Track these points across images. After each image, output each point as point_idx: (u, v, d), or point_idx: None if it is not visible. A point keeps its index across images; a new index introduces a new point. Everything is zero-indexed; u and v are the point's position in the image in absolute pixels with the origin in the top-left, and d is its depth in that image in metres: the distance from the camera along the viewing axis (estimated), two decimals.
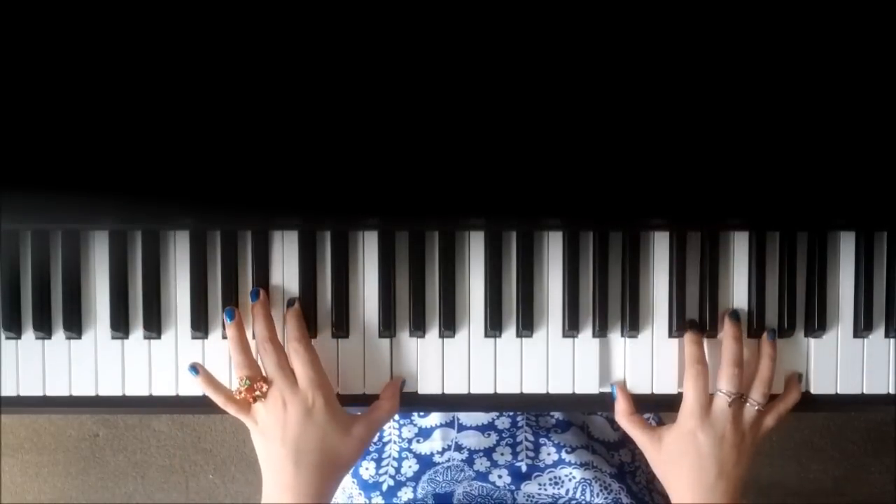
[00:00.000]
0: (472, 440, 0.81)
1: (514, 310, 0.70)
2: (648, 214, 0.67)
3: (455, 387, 0.70)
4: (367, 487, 0.81)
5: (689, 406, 0.67)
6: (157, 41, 0.62)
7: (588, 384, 0.71)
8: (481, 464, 0.79)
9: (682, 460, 0.66)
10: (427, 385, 0.70)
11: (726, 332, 0.69)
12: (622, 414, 0.70)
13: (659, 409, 0.75)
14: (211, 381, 0.67)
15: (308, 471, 0.64)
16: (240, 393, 0.65)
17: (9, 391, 0.69)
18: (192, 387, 0.69)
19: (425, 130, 0.64)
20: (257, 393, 0.65)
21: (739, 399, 0.67)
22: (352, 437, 0.66)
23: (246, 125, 0.63)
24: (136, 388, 0.69)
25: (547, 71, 0.63)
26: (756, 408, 0.67)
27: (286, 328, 0.68)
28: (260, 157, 0.63)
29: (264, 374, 0.66)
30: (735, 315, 0.69)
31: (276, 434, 0.64)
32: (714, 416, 0.66)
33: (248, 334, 0.68)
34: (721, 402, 0.66)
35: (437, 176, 0.64)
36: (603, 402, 0.71)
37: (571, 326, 0.69)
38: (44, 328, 0.68)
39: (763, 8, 0.63)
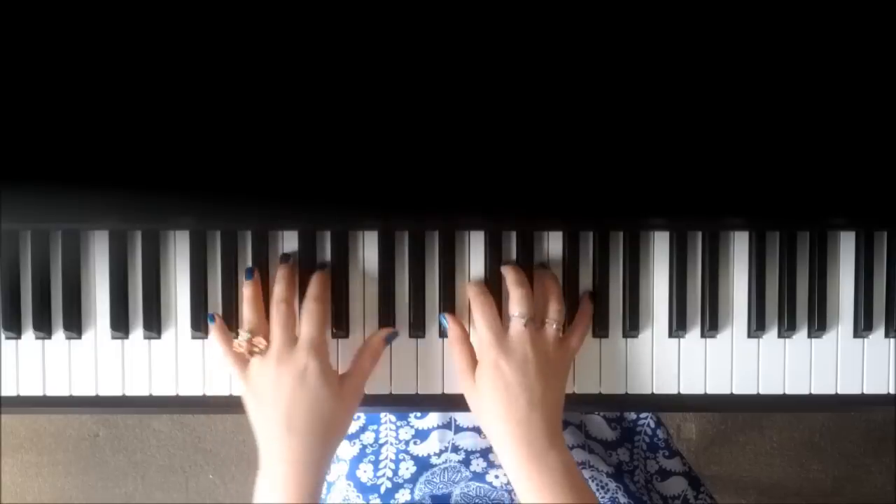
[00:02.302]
0: (468, 441, 0.81)
1: None
2: (648, 214, 0.67)
3: (455, 387, 0.70)
4: (365, 489, 0.81)
5: (484, 337, 0.65)
6: (157, 41, 0.62)
7: (588, 384, 0.71)
8: (478, 464, 0.79)
9: (492, 395, 0.63)
10: (427, 385, 0.70)
11: (504, 268, 0.68)
12: (455, 339, 0.68)
13: (659, 409, 0.75)
14: (223, 330, 0.67)
15: (300, 435, 0.62)
16: (239, 345, 0.65)
17: (9, 391, 0.69)
18: (192, 387, 0.69)
19: (425, 130, 0.64)
20: (255, 348, 0.64)
21: (534, 321, 0.65)
22: (342, 400, 0.65)
23: (246, 125, 0.63)
24: (136, 388, 0.69)
25: (547, 71, 0.63)
26: (554, 326, 0.65)
27: (309, 285, 0.67)
28: (260, 157, 0.63)
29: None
30: (505, 262, 0.69)
31: (267, 396, 0.63)
32: (512, 341, 0.64)
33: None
34: (516, 325, 0.65)
35: (438, 176, 0.64)
36: (603, 403, 0.71)
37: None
38: (44, 328, 0.68)
39: (763, 8, 0.63)
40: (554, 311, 0.66)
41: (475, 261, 0.70)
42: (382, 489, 0.80)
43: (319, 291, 0.66)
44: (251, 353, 0.65)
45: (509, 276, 0.67)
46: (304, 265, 0.69)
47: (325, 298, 0.67)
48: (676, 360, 0.71)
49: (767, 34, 0.63)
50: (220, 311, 0.68)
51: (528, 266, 0.69)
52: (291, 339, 0.65)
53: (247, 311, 0.66)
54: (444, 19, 0.63)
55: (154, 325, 0.69)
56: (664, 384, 0.71)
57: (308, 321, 0.65)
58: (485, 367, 0.65)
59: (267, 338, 0.65)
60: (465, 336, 0.68)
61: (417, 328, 0.70)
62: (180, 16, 0.62)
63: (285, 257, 0.69)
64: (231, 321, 0.69)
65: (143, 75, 0.62)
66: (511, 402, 0.63)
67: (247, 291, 0.67)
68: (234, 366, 0.66)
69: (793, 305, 0.70)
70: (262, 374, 0.64)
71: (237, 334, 0.69)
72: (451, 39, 0.63)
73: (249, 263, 0.69)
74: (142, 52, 0.62)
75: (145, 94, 0.62)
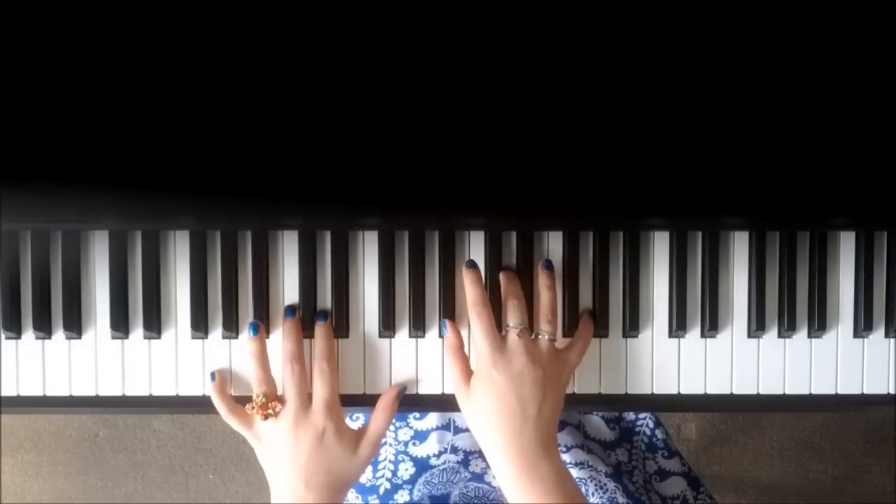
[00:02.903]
0: (467, 442, 0.81)
1: None
2: (648, 214, 0.67)
3: (453, 389, 0.70)
4: (364, 491, 0.81)
5: (480, 347, 0.65)
6: (157, 41, 0.62)
7: (588, 384, 0.71)
8: (477, 465, 0.79)
9: (485, 405, 0.64)
10: (427, 385, 0.70)
11: (501, 277, 0.68)
12: (451, 347, 0.68)
13: (659, 409, 0.75)
14: (223, 389, 0.68)
15: (318, 489, 0.65)
16: (252, 408, 0.65)
17: (9, 391, 0.69)
18: (192, 387, 0.69)
19: (425, 130, 0.64)
20: (269, 412, 0.65)
21: (528, 331, 0.65)
22: (358, 458, 0.67)
23: (246, 125, 0.63)
24: (136, 388, 0.69)
25: (548, 71, 0.63)
26: (547, 338, 0.65)
27: (315, 344, 0.68)
28: (260, 157, 0.63)
29: (279, 391, 0.67)
30: (504, 267, 0.69)
31: (285, 454, 0.65)
32: (507, 352, 0.64)
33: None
34: (511, 336, 0.65)
35: (438, 176, 0.64)
36: (603, 402, 0.71)
37: (571, 325, 0.69)
38: (44, 328, 0.68)
39: (763, 7, 0.63)
40: (546, 322, 0.66)
41: (475, 261, 0.70)
42: (381, 490, 0.80)
43: (328, 350, 0.67)
44: (266, 416, 0.65)
45: (503, 285, 0.68)
46: (304, 265, 0.69)
47: (334, 356, 0.67)
48: (676, 360, 0.71)
49: (767, 34, 0.63)
50: (220, 312, 0.69)
51: (529, 269, 0.69)
52: (307, 401, 0.66)
53: (256, 370, 0.67)
54: (445, 18, 0.63)
55: (154, 325, 0.69)
56: (664, 384, 0.71)
57: (321, 382, 0.66)
58: (479, 376, 0.65)
59: (278, 399, 0.66)
60: (461, 345, 0.68)
61: (417, 328, 0.70)
62: (180, 16, 0.62)
63: (290, 310, 0.68)
64: (231, 321, 0.69)
65: (143, 75, 0.62)
66: (504, 413, 0.63)
67: (252, 347, 0.67)
68: (239, 426, 0.66)
69: (793, 305, 0.70)
70: (279, 434, 0.65)
71: (236, 333, 0.69)
72: (452, 39, 0.63)
73: (249, 263, 0.69)
74: (142, 53, 0.62)
75: (145, 94, 0.62)
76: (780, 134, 0.64)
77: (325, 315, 0.68)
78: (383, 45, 0.63)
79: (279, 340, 0.68)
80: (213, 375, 0.68)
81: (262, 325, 0.68)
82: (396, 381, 0.70)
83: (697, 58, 0.63)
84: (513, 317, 0.65)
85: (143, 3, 0.61)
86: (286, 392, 0.66)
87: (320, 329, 0.68)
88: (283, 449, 0.65)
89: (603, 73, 0.63)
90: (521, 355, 0.64)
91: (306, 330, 0.69)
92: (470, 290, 0.67)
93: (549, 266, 0.69)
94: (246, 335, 0.68)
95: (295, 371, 0.66)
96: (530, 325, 0.66)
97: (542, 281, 0.68)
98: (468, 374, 0.67)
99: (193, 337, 0.69)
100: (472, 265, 0.68)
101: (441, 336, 0.70)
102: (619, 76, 0.63)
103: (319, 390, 0.66)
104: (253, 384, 0.67)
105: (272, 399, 0.66)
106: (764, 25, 0.63)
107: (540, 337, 0.66)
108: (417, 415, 0.85)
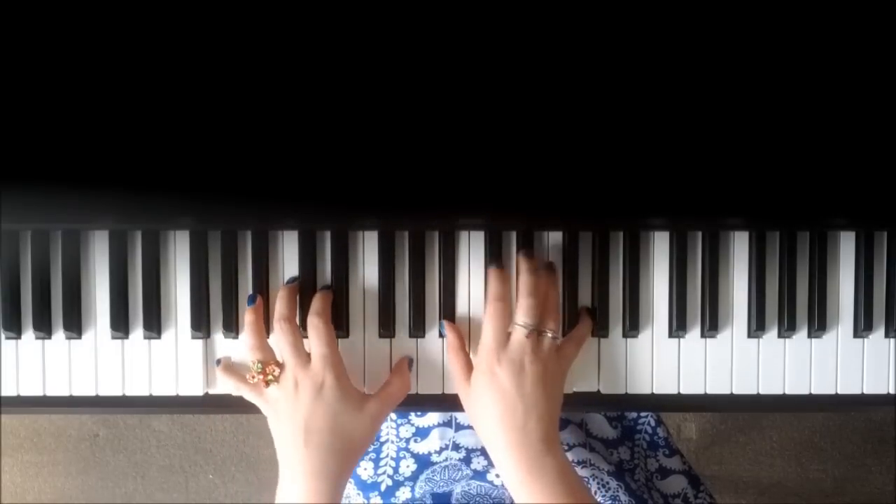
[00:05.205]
0: (469, 439, 0.81)
1: None
2: (648, 214, 0.67)
3: (455, 387, 0.70)
4: (366, 487, 0.81)
5: (486, 342, 0.65)
6: (157, 41, 0.62)
7: (588, 384, 0.71)
8: (479, 462, 0.79)
9: (488, 401, 0.64)
10: (427, 385, 0.70)
11: (521, 267, 0.67)
12: (452, 347, 0.68)
13: (659, 409, 0.75)
14: (229, 367, 0.68)
15: (318, 451, 0.63)
16: (253, 377, 0.65)
17: (9, 391, 0.69)
18: (192, 387, 0.69)
19: (425, 130, 0.64)
20: (270, 377, 0.65)
21: (536, 333, 0.65)
22: (363, 415, 0.65)
23: (246, 125, 0.63)
24: (136, 388, 0.69)
25: (548, 71, 0.63)
26: (551, 335, 0.65)
27: (312, 303, 0.67)
28: (260, 157, 0.63)
29: (277, 358, 0.66)
30: (527, 251, 0.68)
31: (287, 413, 0.64)
32: (511, 349, 0.64)
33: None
34: (518, 334, 0.64)
35: (437, 175, 0.64)
36: (603, 403, 0.71)
37: (571, 325, 0.69)
38: (44, 328, 0.68)
39: (763, 7, 0.63)
40: (552, 321, 0.66)
41: (475, 261, 0.70)
42: (383, 487, 0.80)
43: (322, 307, 0.66)
44: (268, 382, 0.65)
45: (523, 280, 0.66)
46: (304, 265, 0.69)
47: (328, 314, 0.66)
48: (676, 360, 0.71)
49: (767, 34, 0.63)
50: (220, 312, 0.69)
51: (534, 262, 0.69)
52: (304, 357, 0.65)
53: (250, 338, 0.66)
54: (444, 18, 0.63)
55: (154, 325, 0.69)
56: (664, 384, 0.71)
57: (316, 337, 0.65)
58: (481, 372, 0.65)
59: (276, 362, 0.65)
60: (462, 345, 0.68)
61: (417, 328, 0.70)
62: (180, 16, 0.62)
63: (291, 280, 0.69)
64: (231, 321, 0.69)
65: (143, 75, 0.62)
66: (507, 409, 0.63)
67: (249, 317, 0.67)
68: (253, 398, 0.66)
69: (793, 305, 0.70)
70: (283, 395, 0.64)
71: (236, 333, 0.69)
72: (452, 39, 0.63)
73: (249, 263, 0.69)
74: (142, 53, 0.62)
75: (145, 94, 0.62)
76: (779, 134, 0.64)
77: (328, 286, 0.69)
78: (383, 45, 0.63)
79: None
80: (217, 361, 0.69)
81: (260, 297, 0.68)
82: (403, 355, 0.70)
83: (697, 58, 0.63)
84: (524, 316, 0.65)
85: (143, 4, 0.61)
86: (282, 351, 0.65)
87: (320, 292, 0.68)
88: (285, 408, 0.64)
89: (603, 73, 0.63)
90: (525, 354, 0.64)
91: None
92: (494, 285, 0.66)
93: (552, 266, 0.69)
94: (220, 334, 0.69)
95: (285, 328, 0.65)
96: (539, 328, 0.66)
97: (547, 278, 0.68)
98: (469, 370, 0.67)
99: (193, 337, 0.69)
100: (501, 265, 0.68)
101: (441, 336, 0.70)
102: (619, 76, 0.63)
103: (315, 345, 0.64)
104: (248, 353, 0.66)
105: (268, 364, 0.65)
106: (764, 26, 0.63)
107: (543, 335, 0.66)
108: (419, 412, 0.85)
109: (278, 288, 0.69)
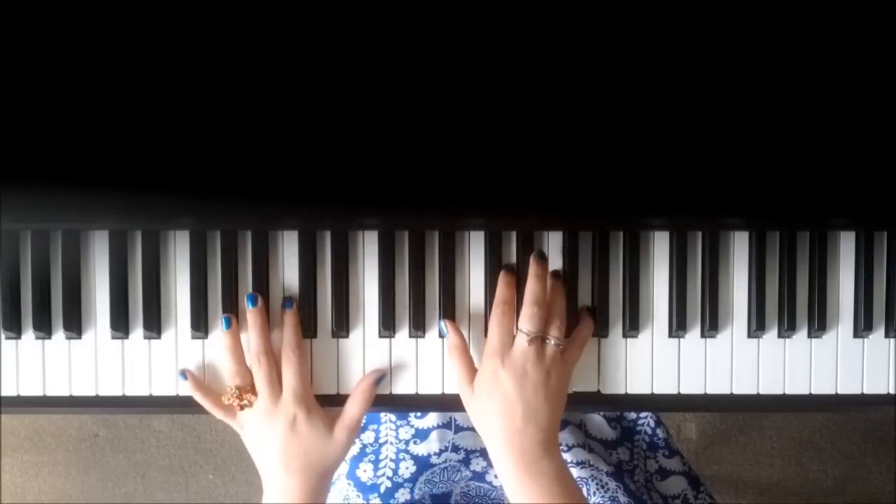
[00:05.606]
0: (468, 441, 0.81)
1: None
2: (648, 214, 0.67)
3: (455, 387, 0.70)
4: (365, 489, 0.81)
5: (490, 346, 0.66)
6: (157, 41, 0.62)
7: (588, 384, 0.71)
8: (478, 464, 0.79)
9: (488, 403, 0.65)
10: (427, 385, 0.70)
11: (531, 271, 0.67)
12: (455, 348, 0.68)
13: (659, 409, 0.75)
14: (199, 386, 0.69)
15: (298, 473, 0.66)
16: (228, 399, 0.67)
17: (9, 391, 0.69)
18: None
19: (425, 130, 0.64)
20: (244, 402, 0.67)
21: (540, 340, 0.65)
22: (334, 442, 0.67)
23: (245, 124, 0.63)
24: (136, 388, 0.69)
25: (548, 70, 0.63)
26: (554, 342, 0.66)
27: (283, 332, 0.68)
28: (260, 157, 0.63)
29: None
30: (541, 255, 0.69)
31: (264, 441, 0.67)
32: (514, 354, 0.65)
33: (243, 339, 0.69)
34: (521, 340, 0.65)
35: (438, 175, 0.64)
36: (603, 403, 0.71)
37: (571, 325, 0.69)
38: (44, 328, 0.68)
39: (762, 7, 0.63)
40: (556, 329, 0.66)
41: (475, 261, 0.70)
42: (382, 488, 0.80)
43: (295, 339, 0.68)
44: (241, 408, 0.67)
45: (530, 286, 0.67)
46: (304, 265, 0.69)
47: (300, 342, 0.68)
48: (676, 360, 0.71)
49: (767, 34, 0.63)
50: (220, 312, 0.69)
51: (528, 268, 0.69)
52: (277, 392, 0.67)
53: (229, 363, 0.68)
54: (444, 18, 0.63)
55: (154, 325, 0.69)
56: (664, 384, 0.71)
57: (290, 371, 0.67)
58: (484, 375, 0.65)
59: (252, 391, 0.67)
60: (464, 345, 0.68)
61: (417, 328, 0.70)
62: (181, 16, 0.62)
63: (251, 299, 0.68)
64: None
65: (143, 75, 0.62)
66: (507, 413, 0.64)
67: (226, 341, 0.68)
68: (224, 417, 0.68)
69: (793, 305, 0.70)
70: (257, 423, 0.67)
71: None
72: (452, 38, 0.63)
73: (249, 263, 0.69)
74: (142, 53, 0.62)
75: (145, 94, 0.62)
76: (779, 134, 0.64)
77: (291, 302, 0.69)
78: (383, 45, 0.63)
79: (278, 338, 0.68)
80: (183, 375, 0.69)
81: (234, 318, 0.68)
82: (373, 370, 0.70)
83: (697, 58, 0.63)
84: (531, 324, 0.65)
85: (143, 4, 0.61)
86: (257, 384, 0.67)
87: (287, 318, 0.68)
88: (262, 436, 0.67)
89: (603, 73, 0.63)
90: (527, 360, 0.64)
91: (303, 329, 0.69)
92: (502, 289, 0.67)
93: (558, 274, 0.69)
94: (220, 330, 0.68)
95: (262, 363, 0.67)
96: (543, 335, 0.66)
97: (553, 286, 0.68)
98: (472, 373, 0.67)
99: (193, 337, 0.69)
100: (511, 269, 0.69)
101: (441, 336, 0.70)
102: (619, 76, 0.63)
103: (288, 379, 0.67)
104: (227, 377, 0.68)
105: (246, 391, 0.67)
106: (764, 26, 0.63)
107: (547, 343, 0.66)
108: (418, 413, 0.85)
109: (278, 288, 0.69)
